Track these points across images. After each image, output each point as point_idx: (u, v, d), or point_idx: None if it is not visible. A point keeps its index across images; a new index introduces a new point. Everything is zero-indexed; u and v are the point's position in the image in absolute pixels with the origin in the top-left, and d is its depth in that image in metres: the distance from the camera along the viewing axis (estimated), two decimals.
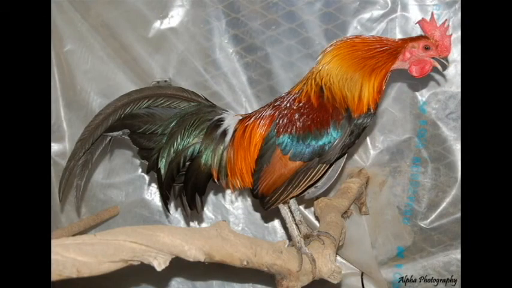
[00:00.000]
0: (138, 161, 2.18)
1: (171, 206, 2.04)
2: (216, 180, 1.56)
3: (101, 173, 2.22)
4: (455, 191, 2.02)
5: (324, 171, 1.47)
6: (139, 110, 1.52)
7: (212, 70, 2.12)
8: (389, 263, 2.11)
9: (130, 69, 2.13)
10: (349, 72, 1.44)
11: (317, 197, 1.77)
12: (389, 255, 2.11)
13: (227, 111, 1.60)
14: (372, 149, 2.07)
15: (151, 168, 1.56)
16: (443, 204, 2.05)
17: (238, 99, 2.12)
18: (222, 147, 1.53)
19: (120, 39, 2.11)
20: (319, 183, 1.56)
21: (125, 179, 2.23)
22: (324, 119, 1.42)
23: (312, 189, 1.58)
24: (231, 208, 2.22)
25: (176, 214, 2.20)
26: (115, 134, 1.54)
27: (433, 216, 2.05)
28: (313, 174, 1.46)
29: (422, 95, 2.02)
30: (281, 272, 1.36)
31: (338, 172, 1.58)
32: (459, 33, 1.89)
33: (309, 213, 2.10)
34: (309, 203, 2.04)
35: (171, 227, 1.09)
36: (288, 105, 1.48)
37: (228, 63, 2.11)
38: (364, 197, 2.03)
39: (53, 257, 0.91)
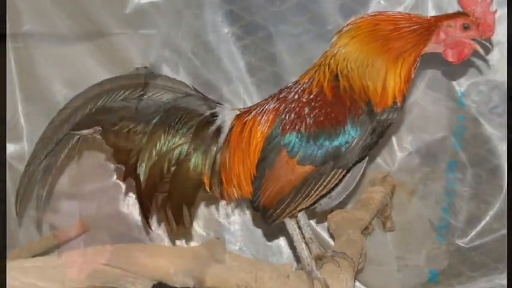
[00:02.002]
0: (112, 166, 2.19)
1: (153, 221, 2.04)
2: (207, 188, 1.56)
3: (67, 180, 2.23)
4: (500, 202, 2.02)
5: (339, 177, 1.47)
6: (114, 103, 1.52)
7: (203, 54, 2.12)
8: None
9: (102, 53, 2.13)
10: (371, 56, 1.44)
11: (331, 210, 1.77)
12: (420, 280, 2.11)
13: (221, 104, 1.60)
14: (399, 150, 2.08)
15: (128, 174, 1.57)
16: (486, 219, 2.05)
17: (235, 89, 2.12)
18: (215, 149, 1.54)
19: (91, 16, 2.11)
20: (333, 193, 1.57)
21: (97, 187, 2.24)
22: (340, 113, 1.42)
23: (325, 199, 1.58)
24: (226, 223, 2.22)
25: (159, 230, 2.21)
26: (84, 132, 1.54)
27: (474, 233, 2.06)
28: (326, 181, 1.46)
29: (460, 85, 2.02)
30: None
31: (357, 179, 1.59)
32: (505, 9, 1.89)
33: (321, 230, 2.10)
34: (321, 217, 2.04)
35: (152, 245, 1.09)
36: (296, 97, 1.48)
37: (223, 45, 2.11)
38: (389, 210, 2.03)
39: (8, 282, 0.92)
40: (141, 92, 1.54)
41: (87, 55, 2.14)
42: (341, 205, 1.75)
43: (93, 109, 1.52)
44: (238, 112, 1.58)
